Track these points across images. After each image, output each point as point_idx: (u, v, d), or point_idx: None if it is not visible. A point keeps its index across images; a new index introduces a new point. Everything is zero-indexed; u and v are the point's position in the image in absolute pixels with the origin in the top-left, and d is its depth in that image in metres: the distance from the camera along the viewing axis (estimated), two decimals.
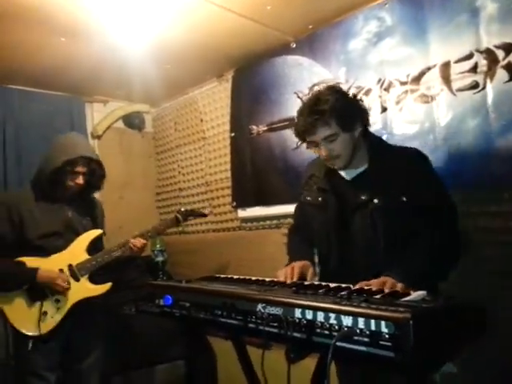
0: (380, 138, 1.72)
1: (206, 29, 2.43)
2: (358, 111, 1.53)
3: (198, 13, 2.24)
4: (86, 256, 2.02)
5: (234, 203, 3.05)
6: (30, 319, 1.87)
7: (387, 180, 1.46)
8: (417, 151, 1.56)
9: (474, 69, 1.87)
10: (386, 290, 1.19)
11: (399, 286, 1.21)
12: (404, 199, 1.43)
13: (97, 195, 3.39)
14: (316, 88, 2.48)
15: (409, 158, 1.52)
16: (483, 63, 1.83)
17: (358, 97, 1.61)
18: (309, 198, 1.69)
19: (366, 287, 1.24)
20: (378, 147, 1.58)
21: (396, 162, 1.49)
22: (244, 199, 2.98)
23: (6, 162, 2.93)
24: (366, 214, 1.48)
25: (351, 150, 1.51)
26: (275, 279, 1.49)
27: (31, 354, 1.87)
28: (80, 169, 2.00)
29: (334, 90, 1.53)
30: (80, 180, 2.01)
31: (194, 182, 3.49)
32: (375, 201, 1.46)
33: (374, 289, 1.21)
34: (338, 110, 1.44)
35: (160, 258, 2.90)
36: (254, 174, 2.89)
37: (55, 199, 2.02)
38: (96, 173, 2.08)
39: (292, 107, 2.65)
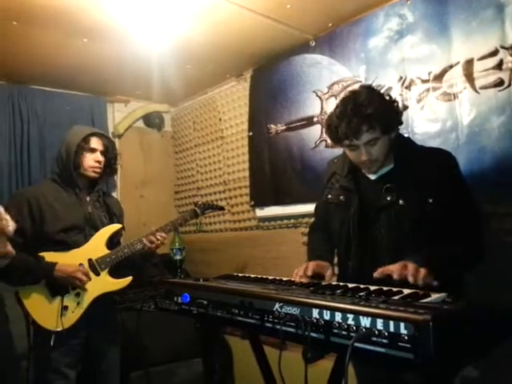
0: (408, 138, 1.68)
1: (225, 28, 2.43)
2: (397, 114, 1.51)
3: (218, 12, 2.25)
4: (105, 250, 2.03)
5: (252, 202, 3.05)
6: (50, 314, 1.88)
7: (414, 180, 1.43)
8: (447, 153, 1.51)
9: (498, 66, 1.81)
10: (409, 277, 1.16)
11: (422, 271, 1.17)
12: (430, 201, 1.39)
13: (117, 193, 3.50)
14: (336, 87, 2.52)
15: (438, 159, 1.48)
16: (509, 60, 1.78)
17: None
18: (330, 196, 1.66)
19: (387, 273, 1.22)
20: (405, 147, 1.55)
21: (424, 163, 1.45)
22: (262, 198, 2.98)
23: (30, 161, 3.00)
24: (392, 216, 1.45)
25: (387, 153, 1.49)
26: (292, 279, 1.49)
27: (52, 350, 1.87)
28: (96, 144, 2.06)
29: (374, 92, 1.49)
30: (99, 157, 2.06)
31: (212, 180, 3.51)
32: (401, 202, 1.43)
33: (395, 275, 1.18)
34: (382, 113, 1.41)
35: (178, 257, 2.90)
36: (272, 174, 2.88)
37: (77, 189, 2.04)
38: (110, 151, 2.13)
39: (310, 106, 2.64)
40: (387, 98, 1.51)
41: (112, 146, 2.16)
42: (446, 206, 1.39)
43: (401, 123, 1.53)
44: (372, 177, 1.55)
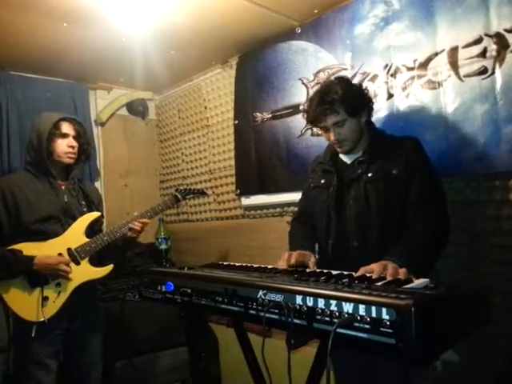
0: (382, 130, 1.81)
1: (210, 14, 2.38)
2: (364, 99, 1.69)
3: None
4: (84, 239, 1.99)
5: (238, 191, 3.03)
6: (31, 305, 1.85)
7: (381, 157, 1.63)
8: (412, 138, 1.67)
9: (482, 54, 1.82)
10: (388, 276, 1.18)
11: (401, 272, 1.20)
12: (394, 172, 1.58)
13: (100, 181, 3.45)
14: (322, 75, 2.51)
15: (404, 143, 1.66)
16: (493, 48, 1.79)
17: (364, 84, 1.78)
18: (312, 185, 1.79)
19: (367, 273, 1.23)
20: (377, 135, 1.72)
21: (392, 146, 1.66)
22: (247, 187, 2.97)
23: (10, 149, 2.92)
24: (360, 186, 1.62)
25: (358, 135, 1.67)
26: (277, 267, 1.49)
27: (33, 341, 1.84)
28: (67, 129, 2.02)
29: (342, 81, 1.69)
30: (72, 142, 2.02)
31: (197, 169, 3.48)
32: (369, 174, 1.61)
33: (375, 274, 1.20)
34: (346, 99, 1.60)
35: (164, 246, 2.90)
36: (258, 162, 2.87)
37: (51, 178, 1.99)
38: (83, 136, 2.09)
39: (296, 94, 2.62)
40: (355, 85, 1.72)
41: (83, 130, 2.11)
42: (409, 182, 1.56)
43: (369, 108, 1.72)
44: (348, 161, 1.72)
